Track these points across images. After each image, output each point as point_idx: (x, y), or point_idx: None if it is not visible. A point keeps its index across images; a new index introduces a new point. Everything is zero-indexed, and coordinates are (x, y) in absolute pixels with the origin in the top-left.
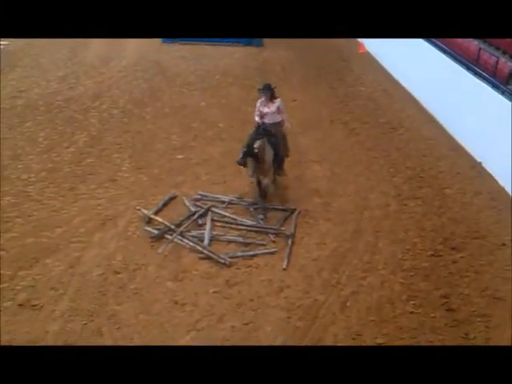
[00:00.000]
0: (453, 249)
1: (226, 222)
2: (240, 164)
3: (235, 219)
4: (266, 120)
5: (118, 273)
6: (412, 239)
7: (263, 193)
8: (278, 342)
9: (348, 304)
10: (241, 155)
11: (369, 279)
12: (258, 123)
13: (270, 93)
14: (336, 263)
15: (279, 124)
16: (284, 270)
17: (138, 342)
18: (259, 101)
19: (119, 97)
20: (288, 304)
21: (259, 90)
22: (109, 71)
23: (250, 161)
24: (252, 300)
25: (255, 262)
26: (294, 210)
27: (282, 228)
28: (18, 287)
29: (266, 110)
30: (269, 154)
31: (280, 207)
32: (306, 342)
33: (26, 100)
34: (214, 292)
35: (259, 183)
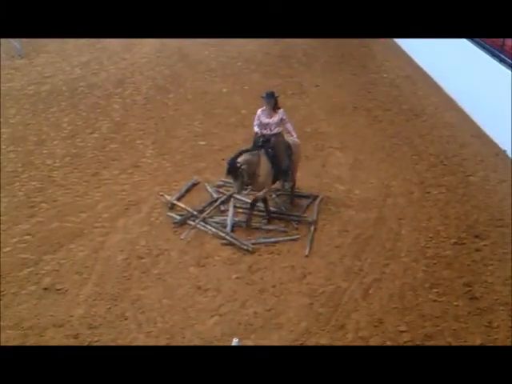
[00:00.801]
0: (476, 237)
1: (248, 209)
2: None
3: (258, 206)
4: (266, 131)
5: (142, 258)
6: (435, 227)
7: (251, 206)
8: (301, 328)
9: (370, 291)
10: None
11: (391, 267)
12: (257, 133)
13: (273, 101)
14: (358, 250)
15: (280, 134)
16: (306, 256)
17: (161, 325)
18: (260, 110)
19: (142, 83)
20: (310, 290)
21: (262, 97)
22: (132, 57)
23: (233, 177)
24: (274, 286)
25: (278, 248)
26: (317, 196)
27: (305, 215)
28: (43, 271)
29: (267, 120)
30: (265, 168)
31: (302, 194)
32: (327, 329)
33: (50, 86)
34: (237, 278)
35: (253, 204)
